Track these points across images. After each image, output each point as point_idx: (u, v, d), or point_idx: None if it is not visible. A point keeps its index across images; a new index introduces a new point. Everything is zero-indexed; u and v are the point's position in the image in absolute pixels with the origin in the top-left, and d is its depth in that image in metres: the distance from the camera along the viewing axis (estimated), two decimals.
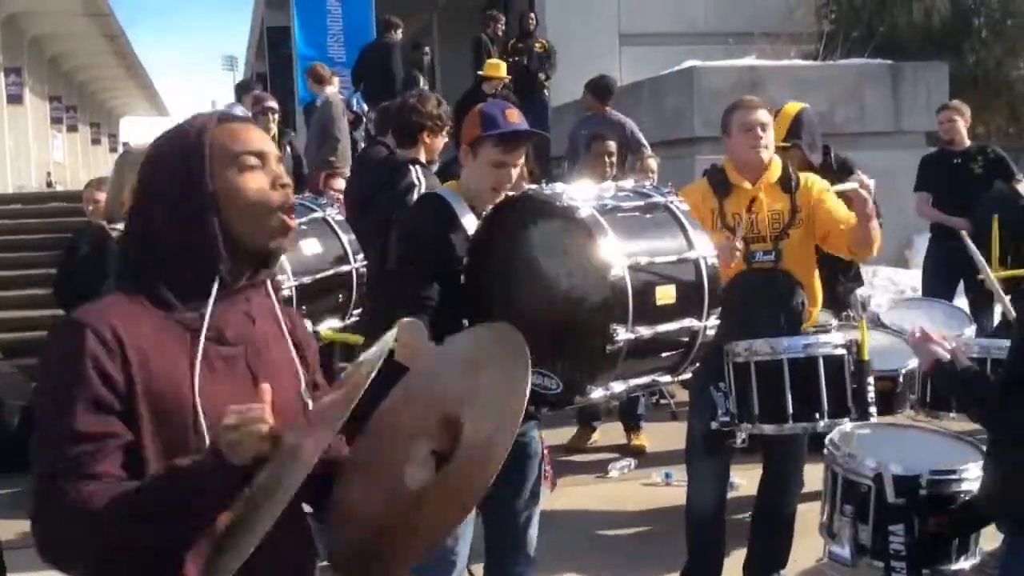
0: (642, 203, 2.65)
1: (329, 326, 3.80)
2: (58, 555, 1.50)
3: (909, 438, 3.46)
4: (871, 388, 3.34)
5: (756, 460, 3.95)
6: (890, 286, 8.58)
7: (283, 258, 3.48)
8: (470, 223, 2.86)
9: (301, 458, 1.40)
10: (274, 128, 7.46)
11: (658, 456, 5.70)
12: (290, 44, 14.40)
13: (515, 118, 2.91)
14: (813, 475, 3.74)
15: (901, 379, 4.08)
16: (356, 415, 1.50)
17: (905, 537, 2.89)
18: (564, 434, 6.06)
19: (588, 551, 4.55)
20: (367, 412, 1.74)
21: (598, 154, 5.98)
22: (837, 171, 4.74)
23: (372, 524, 1.60)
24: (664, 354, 2.57)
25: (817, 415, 3.33)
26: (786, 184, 3.65)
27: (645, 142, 8.08)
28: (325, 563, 1.73)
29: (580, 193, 2.56)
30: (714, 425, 3.42)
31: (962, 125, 6.76)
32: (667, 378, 2.70)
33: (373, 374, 1.49)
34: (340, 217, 4.07)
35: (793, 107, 4.41)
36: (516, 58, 10.68)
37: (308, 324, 2.59)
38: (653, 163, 7.13)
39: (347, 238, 3.91)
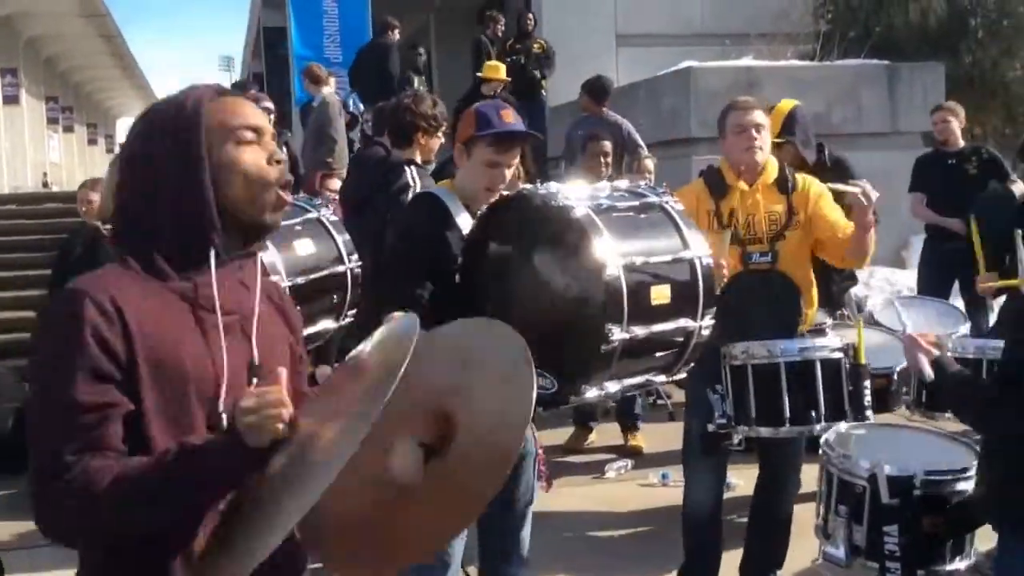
0: (637, 203, 2.66)
1: (323, 327, 3.79)
2: (58, 530, 1.49)
3: (904, 438, 3.45)
4: (867, 391, 3.34)
5: (753, 460, 3.95)
6: (886, 286, 8.59)
7: (277, 259, 3.52)
8: (465, 222, 2.86)
9: (330, 452, 1.38)
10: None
11: (655, 457, 5.69)
12: (287, 44, 14.38)
13: (510, 118, 2.91)
14: (809, 476, 3.74)
15: (896, 376, 4.10)
16: None
17: (900, 538, 2.88)
18: (561, 435, 6.05)
19: (584, 552, 4.55)
20: None
21: (594, 154, 5.97)
22: (831, 169, 4.75)
23: (354, 518, 1.59)
24: (659, 354, 2.58)
25: (814, 419, 3.32)
26: (783, 185, 3.64)
27: (641, 142, 8.05)
28: (318, 565, 1.73)
29: (575, 193, 2.56)
30: (711, 428, 3.42)
31: (956, 126, 6.78)
32: (662, 378, 2.70)
33: (407, 360, 1.42)
34: (335, 217, 4.05)
35: (787, 104, 4.42)
36: (514, 58, 10.65)
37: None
38: (650, 163, 7.14)
39: (342, 239, 3.90)
